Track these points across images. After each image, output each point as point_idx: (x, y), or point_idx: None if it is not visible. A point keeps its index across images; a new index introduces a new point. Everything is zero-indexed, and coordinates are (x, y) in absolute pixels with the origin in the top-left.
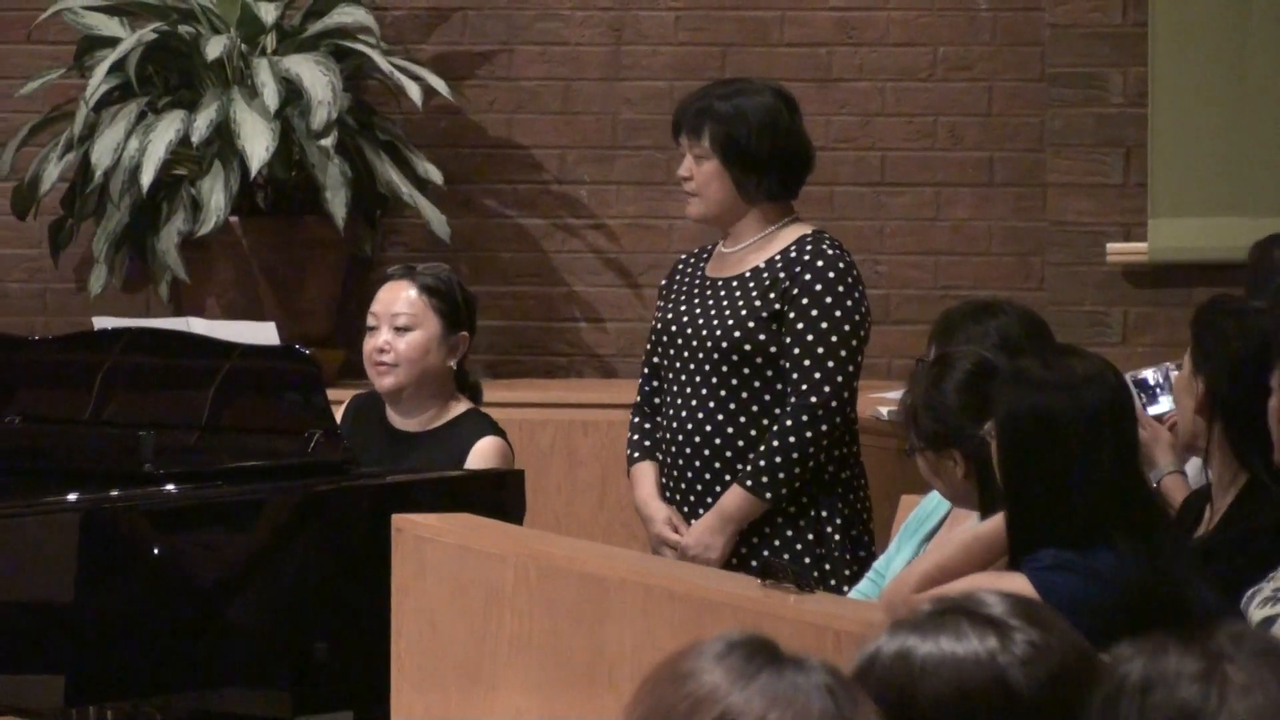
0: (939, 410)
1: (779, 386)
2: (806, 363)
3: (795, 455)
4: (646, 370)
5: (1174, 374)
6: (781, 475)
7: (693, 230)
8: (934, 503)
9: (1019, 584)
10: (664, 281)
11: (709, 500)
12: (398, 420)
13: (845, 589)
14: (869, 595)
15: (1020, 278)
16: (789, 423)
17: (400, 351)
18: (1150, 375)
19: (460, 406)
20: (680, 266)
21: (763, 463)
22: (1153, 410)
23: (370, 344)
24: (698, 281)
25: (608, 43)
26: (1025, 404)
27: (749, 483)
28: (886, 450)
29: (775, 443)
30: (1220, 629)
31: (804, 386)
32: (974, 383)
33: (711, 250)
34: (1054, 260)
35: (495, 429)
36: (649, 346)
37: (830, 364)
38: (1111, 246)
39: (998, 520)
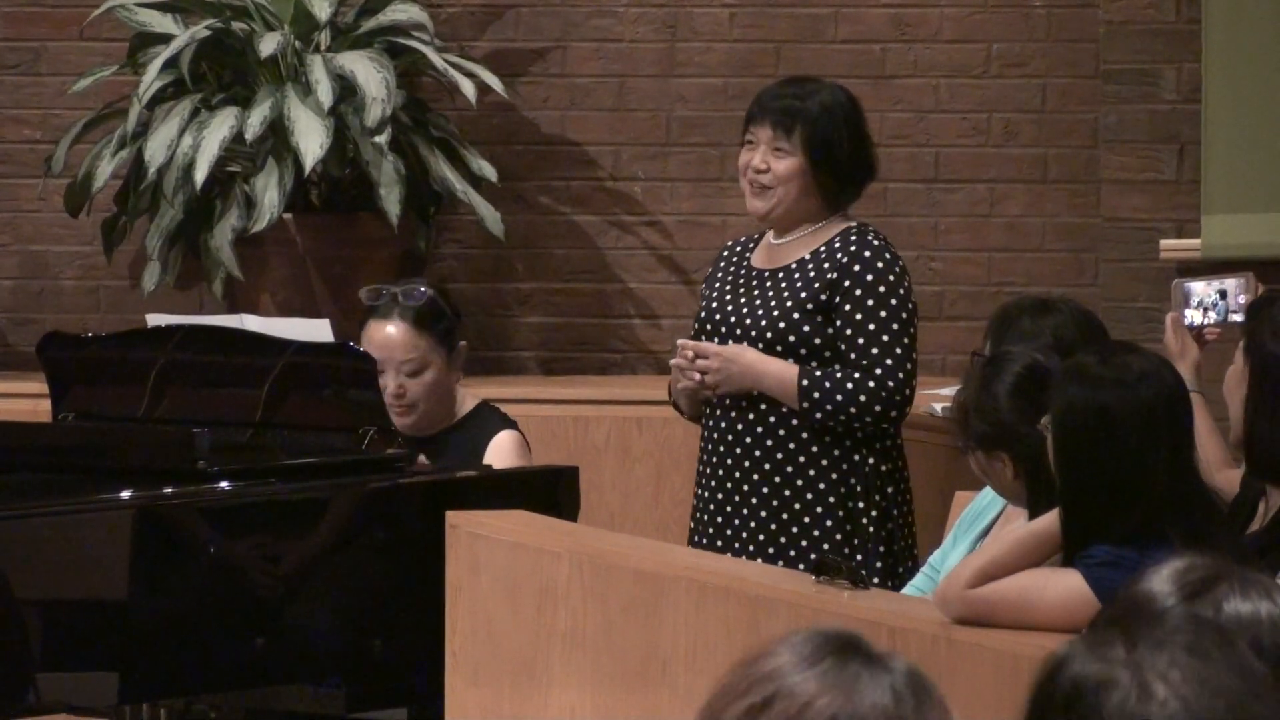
0: (989, 412)
1: None
2: (875, 351)
3: (852, 408)
4: None
5: (1232, 291)
6: (829, 407)
7: (746, 226)
8: (988, 499)
9: (1073, 580)
10: (709, 270)
11: (745, 489)
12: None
13: (876, 580)
14: (924, 591)
15: (1074, 274)
16: (864, 380)
17: (414, 393)
18: (1199, 287)
19: (468, 402)
20: (725, 254)
21: (827, 384)
22: (1188, 319)
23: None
24: (743, 272)
25: (662, 39)
26: (1082, 400)
27: (804, 381)
28: (940, 446)
29: (848, 383)
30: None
31: (877, 370)
32: (1024, 386)
33: (758, 240)
34: (1108, 257)
35: (508, 422)
36: (694, 334)
37: (898, 351)
38: (1165, 243)
39: (1052, 516)
